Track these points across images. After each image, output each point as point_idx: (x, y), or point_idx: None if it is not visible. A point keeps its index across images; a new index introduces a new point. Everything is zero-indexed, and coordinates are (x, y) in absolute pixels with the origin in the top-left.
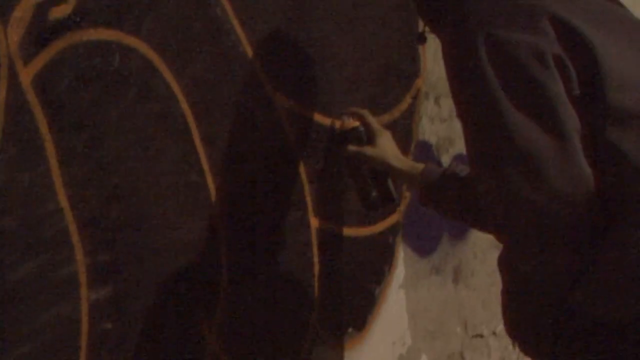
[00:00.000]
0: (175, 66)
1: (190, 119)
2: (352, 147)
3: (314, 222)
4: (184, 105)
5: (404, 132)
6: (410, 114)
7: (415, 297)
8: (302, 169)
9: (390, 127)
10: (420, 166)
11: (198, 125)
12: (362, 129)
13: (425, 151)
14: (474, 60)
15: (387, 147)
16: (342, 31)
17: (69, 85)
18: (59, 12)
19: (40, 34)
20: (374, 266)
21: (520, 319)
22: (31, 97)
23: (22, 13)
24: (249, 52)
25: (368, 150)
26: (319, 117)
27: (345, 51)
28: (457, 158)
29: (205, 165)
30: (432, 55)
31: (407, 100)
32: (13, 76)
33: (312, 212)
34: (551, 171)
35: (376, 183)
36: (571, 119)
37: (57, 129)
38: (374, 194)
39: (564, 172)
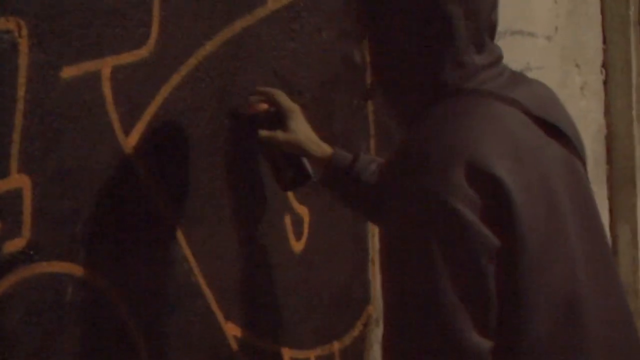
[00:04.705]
0: (130, 298)
1: (142, 351)
2: (263, 133)
3: None
4: (137, 337)
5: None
6: (362, 341)
7: None
8: None
9: (342, 355)
10: (331, 151)
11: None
12: (272, 110)
13: None
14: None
15: (299, 130)
16: (294, 258)
17: (20, 319)
18: (12, 246)
19: None
20: None
21: None
22: None
23: None
24: (200, 279)
25: (280, 135)
26: (268, 347)
27: (297, 278)
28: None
29: None
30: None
31: (358, 327)
32: None
33: None
34: None
35: (291, 163)
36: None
37: None
38: (290, 174)
39: None
